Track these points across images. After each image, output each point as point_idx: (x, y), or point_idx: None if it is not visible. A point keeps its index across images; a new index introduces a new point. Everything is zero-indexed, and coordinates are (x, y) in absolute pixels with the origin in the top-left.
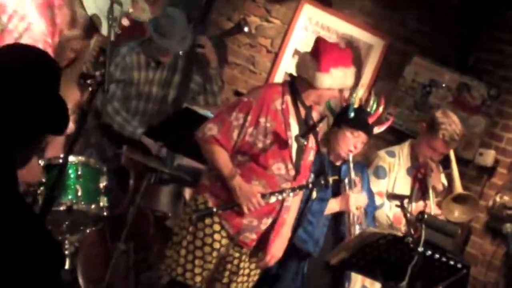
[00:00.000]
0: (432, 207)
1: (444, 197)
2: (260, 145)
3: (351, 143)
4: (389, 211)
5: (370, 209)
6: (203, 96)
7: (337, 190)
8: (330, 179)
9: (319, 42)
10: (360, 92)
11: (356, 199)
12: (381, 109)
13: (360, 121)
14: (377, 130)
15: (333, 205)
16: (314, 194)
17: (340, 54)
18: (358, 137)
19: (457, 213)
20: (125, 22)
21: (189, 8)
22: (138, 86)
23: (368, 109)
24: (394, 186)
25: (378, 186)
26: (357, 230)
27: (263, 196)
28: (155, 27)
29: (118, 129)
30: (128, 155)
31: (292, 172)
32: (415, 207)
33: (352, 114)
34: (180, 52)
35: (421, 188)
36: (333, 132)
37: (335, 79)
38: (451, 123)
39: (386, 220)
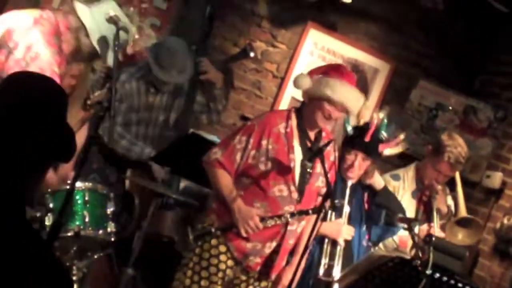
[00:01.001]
0: (436, 230)
1: (449, 219)
2: (262, 167)
3: (349, 162)
4: (395, 235)
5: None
6: (206, 115)
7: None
8: (337, 203)
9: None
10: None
11: (347, 232)
12: (379, 126)
13: (354, 140)
14: (383, 149)
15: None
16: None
17: (339, 70)
18: (355, 156)
19: (461, 236)
20: (130, 50)
21: (192, 31)
22: (138, 112)
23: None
24: None
25: None
26: (335, 261)
27: (262, 219)
28: (155, 58)
29: (125, 153)
30: (132, 180)
31: (295, 195)
32: (419, 230)
33: (350, 133)
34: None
35: (425, 210)
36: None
37: (316, 84)
38: (457, 145)
39: (392, 244)
